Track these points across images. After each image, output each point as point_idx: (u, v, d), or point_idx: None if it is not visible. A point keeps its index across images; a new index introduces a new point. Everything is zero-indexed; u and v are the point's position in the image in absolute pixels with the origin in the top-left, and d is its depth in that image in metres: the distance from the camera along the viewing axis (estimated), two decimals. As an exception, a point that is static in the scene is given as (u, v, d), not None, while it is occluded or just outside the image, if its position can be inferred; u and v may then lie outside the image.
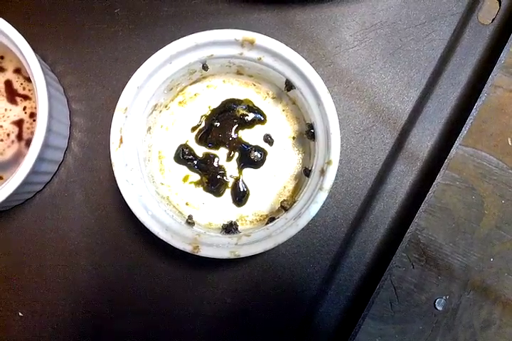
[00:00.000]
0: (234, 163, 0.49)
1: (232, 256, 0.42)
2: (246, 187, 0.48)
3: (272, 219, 0.46)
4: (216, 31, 0.43)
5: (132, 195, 0.42)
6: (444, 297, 0.55)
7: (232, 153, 0.49)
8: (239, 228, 0.47)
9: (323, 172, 0.43)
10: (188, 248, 0.42)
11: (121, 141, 0.43)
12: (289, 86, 0.46)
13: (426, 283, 0.55)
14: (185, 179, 0.49)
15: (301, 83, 0.44)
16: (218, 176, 0.48)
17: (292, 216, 0.43)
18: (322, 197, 0.42)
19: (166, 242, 0.42)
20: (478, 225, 0.55)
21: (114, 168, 0.42)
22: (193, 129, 0.49)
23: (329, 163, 0.42)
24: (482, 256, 0.55)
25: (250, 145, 0.49)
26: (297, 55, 0.43)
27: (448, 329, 0.55)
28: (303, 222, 0.42)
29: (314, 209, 0.42)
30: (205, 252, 0.42)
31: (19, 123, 0.49)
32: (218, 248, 0.42)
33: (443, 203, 0.55)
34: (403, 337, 0.54)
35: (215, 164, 0.48)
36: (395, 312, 0.55)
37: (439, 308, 0.55)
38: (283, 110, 0.49)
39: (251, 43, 0.44)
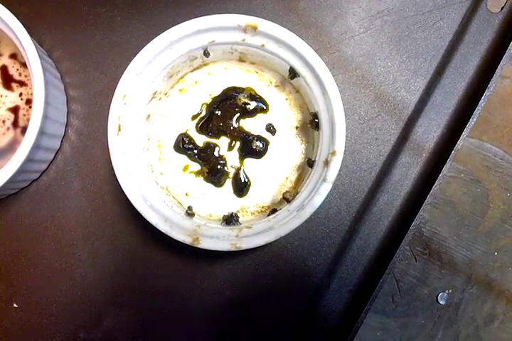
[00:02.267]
0: (235, 152, 0.48)
1: (232, 249, 0.41)
2: (247, 177, 0.47)
3: (273, 211, 0.45)
4: (218, 16, 0.42)
5: (130, 184, 0.41)
6: (446, 291, 0.54)
7: (234, 142, 0.48)
8: (240, 219, 0.46)
9: (327, 163, 0.42)
10: (187, 240, 0.41)
11: (119, 129, 0.42)
12: (293, 74, 0.45)
13: (429, 276, 0.54)
14: (185, 169, 0.48)
15: (305, 71, 0.43)
16: (219, 166, 0.47)
17: (295, 208, 0.42)
18: (326, 188, 0.41)
19: (164, 233, 0.41)
20: (483, 218, 0.55)
21: (112, 157, 0.41)
22: (194, 118, 0.48)
23: (333, 153, 0.41)
24: (486, 249, 0.55)
25: (252, 135, 0.48)
26: (302, 41, 0.42)
27: (450, 324, 0.54)
28: (306, 214, 0.41)
29: (318, 201, 0.41)
30: (205, 244, 0.41)
31: (15, 109, 0.48)
32: (219, 240, 0.41)
33: (447, 195, 0.55)
34: (405, 330, 0.54)
35: (216, 154, 0.48)
36: (396, 305, 0.54)
37: (442, 302, 0.54)
38: (286, 99, 0.48)
39: (254, 29, 0.43)
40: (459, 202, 0.55)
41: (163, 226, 0.41)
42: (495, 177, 0.55)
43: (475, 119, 0.49)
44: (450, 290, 0.54)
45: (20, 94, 0.49)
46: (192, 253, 0.49)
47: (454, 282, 0.54)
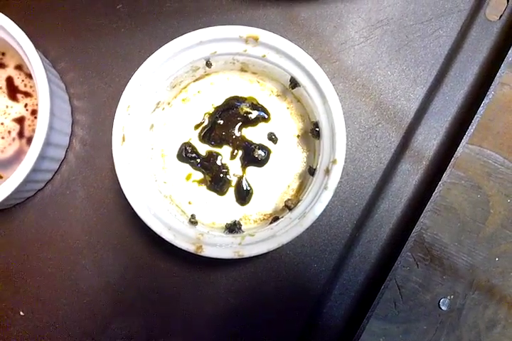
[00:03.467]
0: (237, 161, 0.48)
1: (235, 257, 0.41)
2: (249, 185, 0.48)
3: (275, 219, 0.45)
4: (220, 28, 0.43)
5: (135, 193, 0.42)
6: (448, 297, 0.54)
7: (236, 151, 0.48)
8: (242, 227, 0.47)
9: (328, 171, 0.42)
10: (191, 248, 0.41)
11: (123, 140, 0.42)
12: (294, 83, 0.46)
13: (430, 282, 0.54)
14: (188, 177, 0.48)
15: (306, 81, 0.44)
16: (221, 175, 0.48)
17: (296, 215, 0.43)
18: (327, 196, 0.42)
19: (168, 241, 0.42)
20: (484, 224, 0.55)
21: (116, 167, 0.42)
22: (196, 127, 0.48)
23: (334, 162, 0.42)
24: (487, 255, 0.55)
25: (254, 144, 0.48)
26: (303, 52, 0.43)
27: (452, 330, 0.54)
28: (307, 221, 0.41)
29: (319, 208, 0.41)
30: (208, 252, 0.41)
31: (20, 120, 0.49)
32: (222, 248, 0.42)
33: (448, 202, 0.55)
34: (407, 336, 0.54)
35: (219, 162, 0.48)
36: (399, 311, 0.54)
37: (444, 308, 0.54)
38: (287, 108, 0.49)
39: (255, 40, 0.43)
40: (459, 209, 0.55)
41: (167, 235, 0.42)
42: (495, 183, 0.55)
43: (474, 126, 0.49)
44: (452, 296, 0.54)
45: (26, 105, 0.49)
46: (195, 260, 0.49)
47: (456, 288, 0.55)
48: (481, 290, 0.55)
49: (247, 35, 0.43)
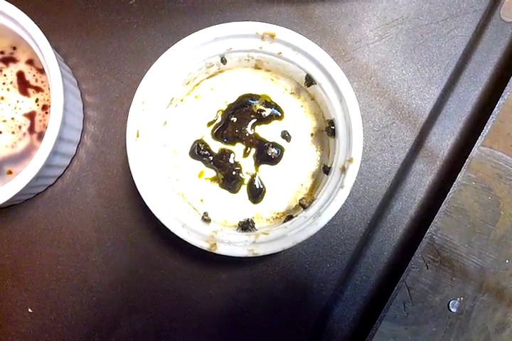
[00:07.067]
0: (250, 159, 0.48)
1: (250, 255, 0.41)
2: (262, 184, 0.48)
3: (289, 217, 0.45)
4: (236, 24, 0.43)
5: (148, 190, 0.42)
6: (458, 299, 0.54)
7: (249, 149, 0.48)
8: (255, 226, 0.46)
9: (344, 170, 0.42)
10: (205, 245, 0.41)
11: (137, 135, 0.42)
12: (310, 81, 0.45)
13: (440, 284, 0.54)
14: (200, 175, 0.48)
15: (322, 78, 0.44)
16: (234, 172, 0.47)
17: (312, 214, 0.42)
18: (343, 195, 0.41)
19: (179, 238, 0.42)
20: (494, 226, 0.55)
21: (130, 163, 0.42)
22: (209, 124, 0.48)
23: (351, 160, 0.42)
24: (497, 257, 0.55)
25: (267, 142, 0.48)
26: (320, 49, 0.43)
27: (462, 332, 0.54)
28: (323, 220, 0.41)
29: (335, 207, 0.41)
30: (222, 250, 0.41)
31: (31, 115, 0.49)
32: (236, 246, 0.42)
33: (459, 203, 0.55)
34: (416, 338, 0.54)
35: (231, 160, 0.48)
36: (408, 313, 0.54)
37: (453, 310, 0.54)
38: (301, 106, 0.49)
39: (272, 37, 0.43)
40: (470, 210, 0.55)
41: (180, 232, 0.41)
42: (506, 185, 0.55)
43: (489, 127, 0.49)
44: (461, 298, 0.54)
45: (37, 100, 0.49)
46: (207, 258, 0.49)
47: (466, 290, 0.54)
48: (491, 292, 0.54)
49: (263, 32, 0.43)
